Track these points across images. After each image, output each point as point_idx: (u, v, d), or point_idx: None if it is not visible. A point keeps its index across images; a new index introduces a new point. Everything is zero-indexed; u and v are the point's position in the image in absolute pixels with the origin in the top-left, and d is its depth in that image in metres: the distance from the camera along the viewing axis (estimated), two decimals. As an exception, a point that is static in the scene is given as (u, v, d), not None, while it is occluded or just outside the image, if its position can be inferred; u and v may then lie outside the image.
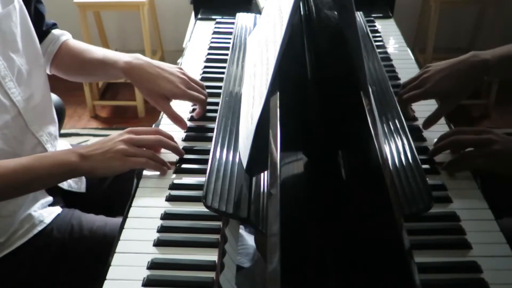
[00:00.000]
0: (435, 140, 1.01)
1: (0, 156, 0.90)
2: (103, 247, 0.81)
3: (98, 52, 1.10)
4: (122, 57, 1.05)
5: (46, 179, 0.88)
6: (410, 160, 0.85)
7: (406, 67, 1.28)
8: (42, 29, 1.08)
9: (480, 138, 0.88)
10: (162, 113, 1.10)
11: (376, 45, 1.28)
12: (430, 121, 1.00)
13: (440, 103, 1.01)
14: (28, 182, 0.86)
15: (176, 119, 1.01)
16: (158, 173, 0.91)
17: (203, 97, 1.04)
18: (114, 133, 0.91)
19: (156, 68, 1.02)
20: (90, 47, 1.13)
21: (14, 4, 0.94)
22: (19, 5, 0.96)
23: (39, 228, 0.96)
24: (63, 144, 1.16)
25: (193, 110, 1.10)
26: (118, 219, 0.93)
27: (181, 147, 0.99)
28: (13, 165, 0.85)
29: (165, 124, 1.07)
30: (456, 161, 0.90)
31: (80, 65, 1.12)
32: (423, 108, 1.09)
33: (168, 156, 0.95)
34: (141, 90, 1.04)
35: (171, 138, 0.94)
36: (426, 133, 1.02)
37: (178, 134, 1.03)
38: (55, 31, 1.11)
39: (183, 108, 1.10)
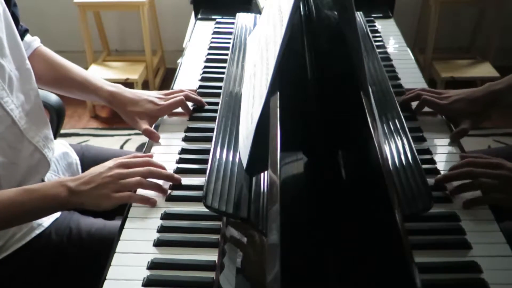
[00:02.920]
0: (435, 140, 1.01)
1: None
2: (102, 250, 0.81)
3: (78, 72, 1.12)
4: (104, 85, 1.10)
5: (34, 213, 0.87)
6: (410, 160, 0.85)
7: (406, 67, 1.28)
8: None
9: (493, 174, 0.85)
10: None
11: (376, 45, 1.28)
12: (456, 137, 1.02)
13: (459, 124, 1.05)
14: (14, 216, 0.84)
15: (148, 133, 1.03)
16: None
17: (180, 98, 1.08)
18: (103, 166, 0.88)
19: (135, 93, 1.10)
20: (67, 63, 1.13)
21: None
22: (2, 8, 0.94)
23: (38, 231, 0.96)
24: (61, 144, 1.16)
25: (193, 109, 1.10)
26: (117, 222, 0.93)
27: (181, 147, 0.99)
28: (1, 199, 0.82)
29: (165, 125, 1.07)
30: (471, 198, 0.86)
31: (56, 79, 1.12)
32: (424, 109, 1.09)
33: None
34: (124, 114, 1.09)
35: (162, 168, 0.91)
36: (426, 134, 1.02)
37: (178, 135, 1.03)
38: (26, 38, 1.09)
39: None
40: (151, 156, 0.95)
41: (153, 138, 1.02)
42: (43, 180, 1.03)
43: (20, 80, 0.97)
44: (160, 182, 0.89)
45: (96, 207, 0.85)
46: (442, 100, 1.06)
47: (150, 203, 0.85)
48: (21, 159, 0.95)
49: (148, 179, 0.88)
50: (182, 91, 1.11)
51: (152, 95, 1.09)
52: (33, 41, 1.12)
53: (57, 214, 1.00)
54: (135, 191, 0.87)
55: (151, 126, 1.06)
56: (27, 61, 1.01)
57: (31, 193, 0.84)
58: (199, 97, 1.12)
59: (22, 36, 1.07)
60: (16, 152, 0.94)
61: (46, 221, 0.97)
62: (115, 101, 1.08)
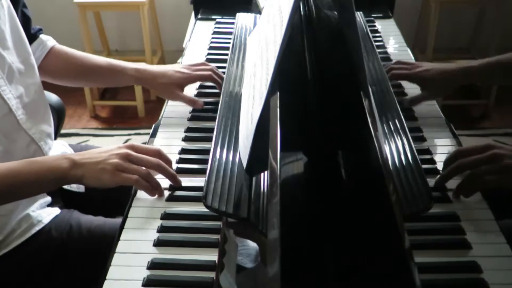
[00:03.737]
0: (435, 140, 1.01)
1: None
2: (102, 247, 0.81)
3: (101, 59, 1.16)
4: (129, 64, 1.13)
5: (34, 185, 0.85)
6: (410, 160, 0.85)
7: (406, 67, 1.28)
8: (30, 32, 1.08)
9: (484, 156, 0.84)
10: (162, 114, 1.11)
11: (376, 45, 1.28)
12: (412, 102, 1.10)
13: (423, 91, 1.12)
14: (15, 188, 0.83)
15: (192, 101, 1.10)
16: (157, 175, 0.90)
17: (209, 72, 1.13)
18: (113, 145, 0.87)
19: (161, 67, 1.14)
20: (86, 54, 1.17)
21: (2, 3, 0.94)
22: (7, 4, 0.96)
23: (37, 228, 0.96)
24: (61, 144, 1.16)
25: (193, 109, 1.10)
26: (117, 220, 0.93)
27: (181, 147, 0.99)
28: (0, 170, 0.82)
29: (165, 125, 1.07)
30: (465, 186, 0.85)
31: (80, 72, 1.15)
32: (424, 108, 1.09)
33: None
34: (156, 87, 1.13)
35: (169, 162, 0.90)
36: (426, 134, 1.02)
37: (178, 135, 1.03)
38: (42, 36, 1.11)
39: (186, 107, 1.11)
40: None
41: (199, 105, 1.08)
42: None
43: (22, 74, 0.98)
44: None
45: (96, 181, 0.83)
46: (412, 69, 1.11)
47: (153, 193, 0.85)
48: (17, 149, 0.96)
49: (154, 176, 0.87)
50: (206, 64, 1.16)
51: (176, 65, 1.14)
52: (48, 40, 1.13)
53: (57, 211, 1.00)
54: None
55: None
56: (32, 57, 1.03)
57: (32, 164, 0.84)
58: (223, 75, 1.14)
59: (37, 35, 1.09)
60: (11, 142, 0.94)
61: (46, 218, 0.97)
62: (143, 77, 1.12)
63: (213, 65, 1.17)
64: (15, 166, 0.83)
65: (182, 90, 1.11)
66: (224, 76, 1.14)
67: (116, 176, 0.82)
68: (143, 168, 0.85)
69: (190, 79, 1.12)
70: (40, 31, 1.11)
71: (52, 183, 0.86)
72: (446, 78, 1.08)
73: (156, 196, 0.87)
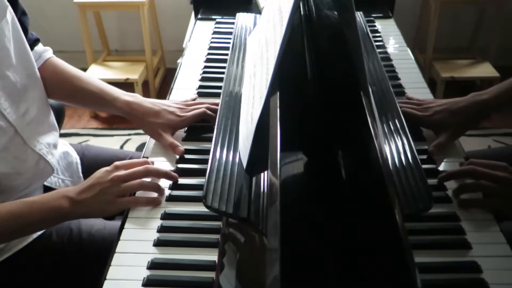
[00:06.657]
0: (435, 141, 1.01)
1: (3, 180, 0.89)
2: (102, 251, 0.81)
3: (93, 83, 1.07)
4: (121, 95, 1.04)
5: (36, 225, 0.87)
6: (410, 160, 0.85)
7: (406, 67, 1.28)
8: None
9: (496, 176, 0.83)
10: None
11: (376, 45, 1.28)
12: (434, 151, 0.96)
13: (439, 136, 0.99)
14: (17, 229, 0.84)
15: (173, 146, 0.98)
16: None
17: (202, 109, 1.04)
18: (98, 172, 0.87)
19: (154, 103, 1.04)
20: (81, 73, 1.09)
21: (7, 18, 0.90)
22: (11, 17, 0.92)
23: (39, 232, 0.96)
24: (62, 144, 1.15)
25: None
26: (117, 222, 0.93)
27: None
28: (0, 212, 0.81)
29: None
30: (467, 189, 0.85)
31: (69, 91, 1.07)
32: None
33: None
34: (144, 125, 1.03)
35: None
36: (426, 134, 1.02)
37: (178, 134, 1.03)
38: (37, 48, 1.05)
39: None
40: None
41: (178, 152, 0.97)
42: (44, 185, 1.03)
43: (27, 89, 0.95)
44: (158, 181, 0.90)
45: (100, 213, 0.86)
46: (422, 112, 1.01)
47: (155, 203, 0.86)
48: (27, 168, 0.95)
49: (148, 180, 0.88)
50: (202, 103, 1.07)
51: (172, 105, 1.04)
52: (45, 51, 1.07)
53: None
54: (135, 194, 0.88)
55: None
56: (36, 70, 0.99)
57: (32, 205, 0.84)
58: (217, 108, 1.04)
59: (33, 46, 1.04)
60: (21, 162, 0.93)
61: None
62: (133, 112, 1.03)
63: (208, 100, 1.09)
64: (15, 208, 0.83)
65: (172, 133, 1.01)
66: (225, 75, 1.14)
67: (117, 204, 0.85)
68: (136, 181, 0.86)
69: (185, 123, 1.02)
70: (36, 41, 1.06)
71: (55, 221, 0.88)
72: (461, 119, 0.98)
73: (157, 196, 0.87)
